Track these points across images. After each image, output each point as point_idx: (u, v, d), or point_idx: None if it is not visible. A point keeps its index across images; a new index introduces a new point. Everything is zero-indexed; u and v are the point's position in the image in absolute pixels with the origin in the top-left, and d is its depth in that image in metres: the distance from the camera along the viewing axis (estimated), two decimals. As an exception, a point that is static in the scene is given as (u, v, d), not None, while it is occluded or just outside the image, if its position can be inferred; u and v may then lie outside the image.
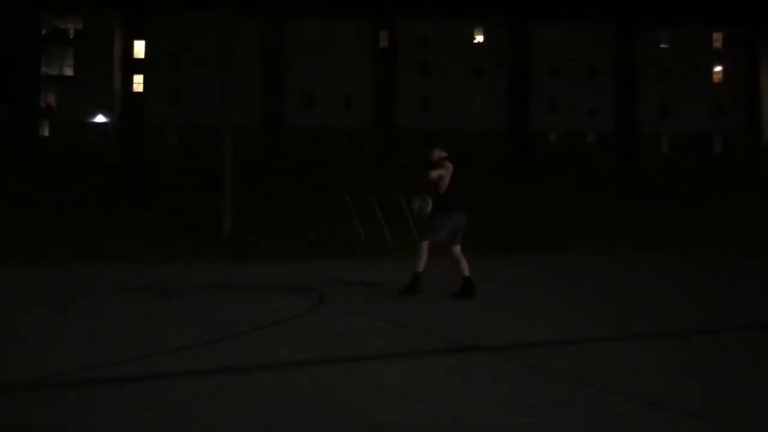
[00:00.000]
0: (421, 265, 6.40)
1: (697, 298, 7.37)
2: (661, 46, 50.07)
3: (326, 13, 47.91)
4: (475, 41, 49.39)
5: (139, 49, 47.65)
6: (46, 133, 45.55)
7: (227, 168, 16.19)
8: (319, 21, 47.57)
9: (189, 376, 3.62)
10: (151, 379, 3.55)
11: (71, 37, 46.24)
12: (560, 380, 3.53)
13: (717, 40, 50.35)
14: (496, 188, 23.29)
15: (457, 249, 6.51)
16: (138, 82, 47.55)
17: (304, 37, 47.44)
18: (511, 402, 3.14)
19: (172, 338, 4.60)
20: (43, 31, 46.35)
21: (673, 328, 5.25)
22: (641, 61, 49.88)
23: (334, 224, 15.96)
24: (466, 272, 6.49)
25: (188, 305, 6.52)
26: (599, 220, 17.73)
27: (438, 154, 6.54)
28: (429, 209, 6.37)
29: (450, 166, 6.46)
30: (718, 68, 50.37)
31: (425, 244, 6.44)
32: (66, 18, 46.32)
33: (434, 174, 6.39)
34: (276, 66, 47.44)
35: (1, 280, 8.68)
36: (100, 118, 45.81)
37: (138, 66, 47.29)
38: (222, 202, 15.49)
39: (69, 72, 46.22)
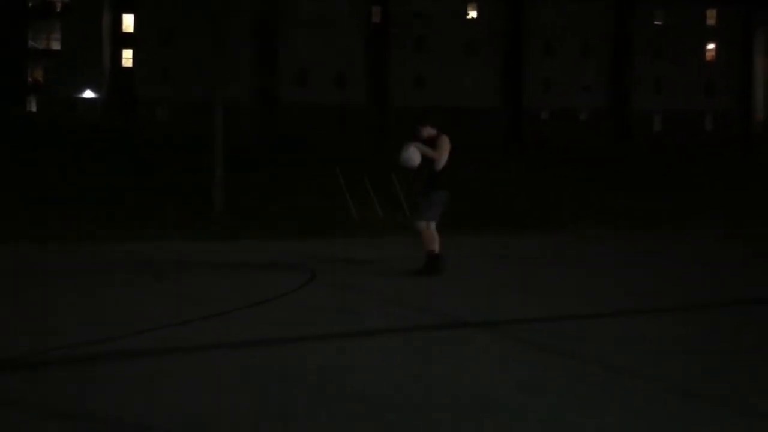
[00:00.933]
0: (431, 243, 6.29)
1: (689, 274, 7.41)
2: (655, 23, 49.83)
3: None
4: (469, 17, 48.93)
5: (129, 23, 46.89)
6: (33, 108, 44.94)
7: (218, 145, 16.02)
8: (311, -4, 46.94)
9: (181, 353, 3.60)
10: (145, 355, 3.54)
11: (58, 10, 45.38)
12: (560, 356, 3.53)
13: (711, 17, 50.15)
14: (488, 166, 23.26)
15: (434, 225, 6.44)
16: (127, 57, 46.89)
17: (296, 12, 46.82)
18: (503, 377, 3.14)
19: (164, 315, 4.57)
20: (30, 4, 45.43)
21: (674, 304, 5.27)
22: (635, 38, 49.66)
23: (326, 202, 15.90)
24: (437, 249, 6.36)
25: (179, 282, 6.49)
26: (591, 198, 17.74)
27: (428, 131, 6.43)
28: (417, 162, 6.23)
29: (447, 140, 6.37)
30: (711, 46, 50.25)
31: (433, 225, 6.33)
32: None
33: (442, 154, 6.27)
34: (268, 42, 46.88)
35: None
36: (88, 94, 45.19)
37: (127, 40, 46.58)
38: (213, 179, 15.36)
39: (56, 46, 45.46)
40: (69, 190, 15.29)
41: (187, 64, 44.66)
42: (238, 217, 14.19)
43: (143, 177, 17.83)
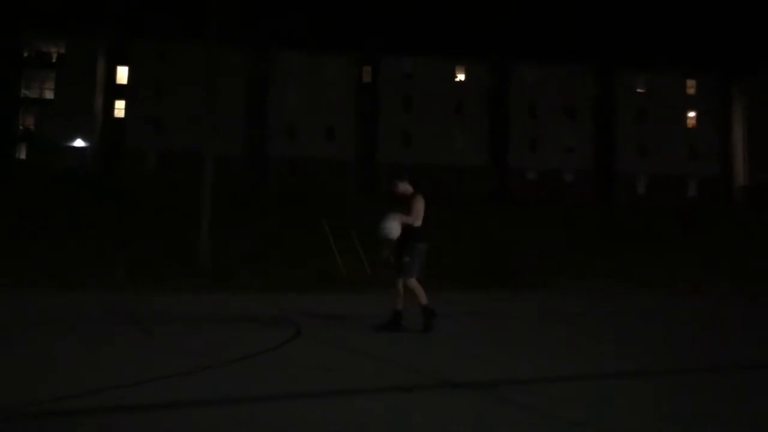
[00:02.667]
0: (424, 297, 6.45)
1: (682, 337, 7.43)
2: (638, 90, 51.45)
3: (310, 46, 48.52)
4: (457, 79, 50.26)
5: (122, 74, 47.62)
6: (23, 155, 44.96)
7: (205, 200, 16.08)
8: (303, 54, 48.11)
9: (160, 409, 3.53)
10: (118, 411, 3.46)
11: (53, 60, 46.06)
12: (545, 418, 3.50)
13: (691, 87, 51.90)
14: (474, 224, 23.44)
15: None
16: (120, 108, 47.38)
17: (287, 69, 47.86)
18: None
19: (146, 369, 4.49)
20: (25, 54, 46.13)
21: (662, 366, 5.27)
22: (619, 102, 51.14)
23: (313, 256, 15.88)
24: (401, 306, 6.54)
25: (163, 335, 6.39)
26: (575, 258, 17.89)
27: (404, 187, 6.60)
28: (397, 234, 6.31)
29: (422, 200, 6.51)
30: (692, 114, 51.81)
31: (413, 282, 6.46)
32: (49, 41, 46.21)
33: (417, 217, 6.42)
34: (259, 96, 47.70)
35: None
36: (79, 142, 45.39)
37: (120, 91, 47.17)
38: (199, 233, 15.33)
39: (50, 95, 45.90)
40: (51, 239, 15.16)
41: (177, 116, 45.20)
42: (224, 270, 14.11)
43: (130, 228, 17.73)
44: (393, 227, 6.28)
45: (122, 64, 47.36)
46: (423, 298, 6.44)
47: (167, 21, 44.94)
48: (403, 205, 6.53)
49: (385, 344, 5.87)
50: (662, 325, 8.63)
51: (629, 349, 6.26)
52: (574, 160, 49.75)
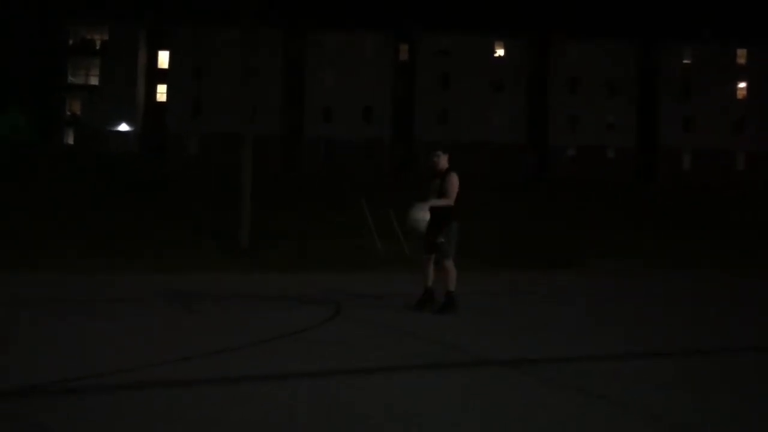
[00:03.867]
0: (453, 283, 6.38)
1: (710, 317, 7.29)
2: (684, 62, 49.71)
3: (347, 25, 48.35)
4: (496, 55, 49.45)
5: (163, 59, 48.44)
6: (70, 140, 46.39)
7: (246, 180, 16.32)
8: (340, 33, 47.99)
9: (203, 384, 3.67)
10: (166, 385, 3.61)
11: (97, 47, 47.18)
12: (583, 397, 3.52)
13: (741, 56, 49.88)
14: (514, 203, 23.21)
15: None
16: (161, 92, 48.29)
17: (324, 49, 47.87)
18: (525, 418, 3.14)
19: (189, 347, 4.66)
20: (71, 42, 47.35)
21: (691, 346, 5.20)
22: (663, 76, 49.55)
23: (351, 236, 16.02)
24: (431, 283, 6.50)
25: (206, 315, 6.59)
26: (616, 236, 17.57)
27: (443, 163, 6.46)
28: (425, 224, 6.19)
29: (456, 178, 6.37)
30: (741, 84, 49.84)
31: (451, 264, 6.37)
32: (93, 29, 47.30)
33: (452, 191, 6.30)
34: (296, 77, 47.91)
35: (24, 286, 8.83)
36: (123, 127, 46.55)
37: (161, 76, 48.05)
38: (240, 213, 15.60)
39: (94, 81, 47.12)
40: (96, 221, 15.66)
41: (217, 99, 45.82)
42: (264, 250, 14.37)
43: (172, 210, 18.18)
44: (420, 218, 6.16)
45: (163, 48, 48.17)
46: (453, 283, 6.37)
47: (205, 4, 45.36)
48: (437, 180, 6.44)
49: (422, 323, 5.93)
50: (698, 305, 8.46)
51: (669, 328, 6.18)
52: (616, 137, 48.59)
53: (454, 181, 6.34)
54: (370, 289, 9.11)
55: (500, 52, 49.44)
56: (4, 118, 48.10)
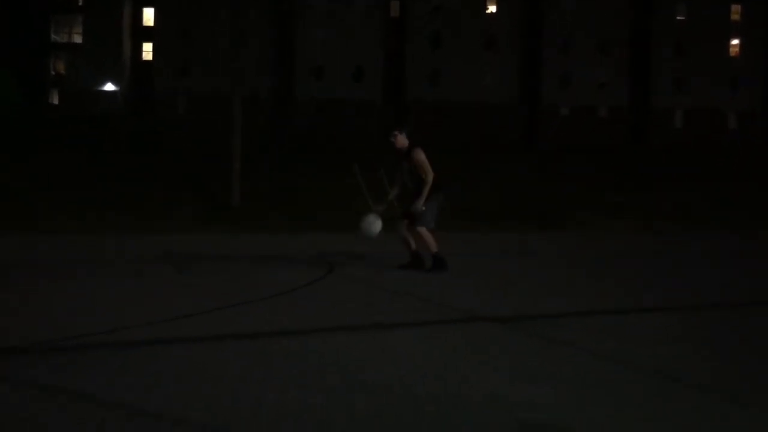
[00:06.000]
0: (434, 245, 6.34)
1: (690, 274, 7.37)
2: (678, 18, 49.17)
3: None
4: (488, 11, 48.68)
5: (149, 17, 47.30)
6: (55, 100, 45.55)
7: (236, 138, 16.14)
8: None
9: (197, 342, 3.69)
10: (161, 343, 3.63)
11: (80, 4, 45.92)
12: (566, 349, 3.57)
13: (735, 12, 49.38)
14: (504, 163, 23.16)
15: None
16: (147, 51, 47.32)
17: (314, 6, 46.89)
18: (516, 371, 3.18)
19: (182, 306, 4.66)
20: (53, -2, 46.05)
21: (677, 303, 5.27)
22: (656, 33, 49.06)
23: (342, 197, 15.98)
24: (415, 246, 6.46)
25: (198, 274, 6.59)
26: (605, 196, 17.63)
27: (401, 140, 6.36)
28: (376, 233, 6.30)
29: (422, 151, 6.26)
30: (735, 41, 49.48)
31: (424, 230, 6.32)
32: (75, -16, 45.98)
33: (426, 169, 6.20)
34: (286, 36, 47.02)
35: (14, 248, 8.77)
36: (109, 86, 45.71)
37: (147, 34, 46.99)
38: (230, 173, 15.48)
39: (78, 40, 46.03)
40: (86, 182, 15.52)
41: (205, 57, 44.99)
42: (255, 210, 14.31)
43: (161, 169, 18.02)
44: (374, 227, 6.24)
45: (148, 5, 46.98)
46: (434, 245, 6.34)
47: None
48: (404, 163, 6.35)
49: (413, 282, 5.96)
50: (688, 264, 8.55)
51: (654, 286, 6.25)
52: (608, 96, 48.34)
53: (421, 157, 6.23)
54: (361, 248, 9.12)
55: (493, 8, 48.67)
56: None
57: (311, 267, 6.90)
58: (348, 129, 37.36)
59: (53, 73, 46.37)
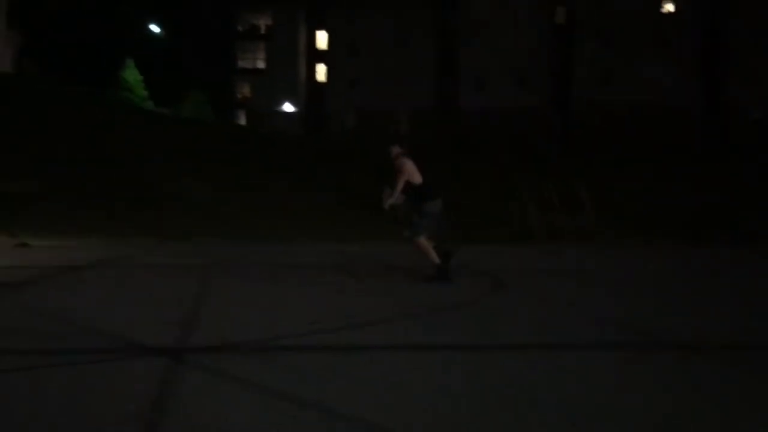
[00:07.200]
0: (435, 256, 6.56)
1: None
2: None
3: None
4: (663, 10, 45.31)
5: (322, 40, 50.62)
6: (242, 121, 50.40)
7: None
8: (493, -1, 46.77)
9: (378, 350, 3.88)
10: (344, 349, 3.86)
11: (262, 32, 50.55)
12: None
13: None
14: (688, 171, 21.33)
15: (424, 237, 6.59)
16: (321, 72, 50.65)
17: (477, 17, 46.98)
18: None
19: (365, 313, 4.92)
20: (239, 28, 51.20)
21: None
22: None
23: (506, 207, 15.78)
24: (437, 259, 6.55)
25: (376, 283, 6.89)
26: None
27: (396, 151, 6.69)
28: (397, 202, 6.57)
29: (408, 162, 6.57)
30: None
31: (420, 241, 6.56)
32: (258, 14, 50.70)
33: (400, 177, 6.53)
34: (449, 48, 47.60)
35: (217, 253, 9.82)
36: (287, 107, 49.62)
37: (321, 56, 50.31)
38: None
39: (261, 65, 50.67)
40: (271, 194, 16.92)
41: (372, 74, 47.03)
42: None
43: (336, 181, 19.10)
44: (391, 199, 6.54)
45: (320, 29, 50.32)
46: (433, 255, 6.54)
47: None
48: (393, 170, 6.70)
49: (595, 299, 5.73)
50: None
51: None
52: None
53: (398, 165, 6.59)
54: (532, 263, 8.95)
55: (669, 6, 45.18)
56: (188, 100, 53.53)
57: (481, 279, 6.91)
58: (514, 138, 36.74)
59: (239, 96, 51.41)
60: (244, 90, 51.42)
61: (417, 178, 6.58)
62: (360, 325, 4.50)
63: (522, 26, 46.30)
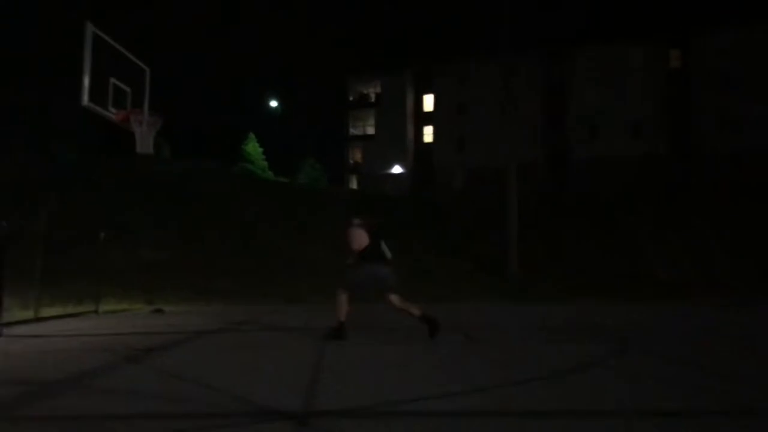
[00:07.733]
0: (343, 314, 6.79)
1: None
2: None
3: (608, 38, 46.20)
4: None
5: (429, 103, 51.99)
6: (354, 185, 52.25)
7: (511, 212, 16.46)
8: (601, 48, 46.02)
9: (495, 416, 3.75)
10: (456, 415, 3.76)
11: (372, 100, 52.81)
12: None
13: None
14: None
15: (394, 298, 6.80)
16: (428, 133, 51.78)
17: (585, 67, 46.31)
18: None
19: (479, 376, 4.80)
20: (350, 98, 53.86)
21: None
22: None
23: (627, 261, 14.98)
24: (418, 313, 6.78)
25: (486, 344, 6.75)
26: None
27: (357, 222, 7.11)
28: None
29: (360, 232, 6.94)
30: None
31: (342, 295, 6.84)
32: (367, 83, 53.18)
33: (351, 243, 6.92)
34: (557, 99, 47.13)
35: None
36: (396, 169, 50.90)
37: (428, 118, 51.58)
38: (507, 244, 15.74)
39: (371, 131, 52.74)
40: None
41: (479, 132, 47.36)
42: (531, 279, 14.23)
43: (442, 242, 19.08)
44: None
45: (427, 92, 51.79)
46: (342, 313, 6.82)
47: (462, 44, 47.59)
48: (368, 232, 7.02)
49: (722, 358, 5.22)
50: None
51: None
52: None
53: (348, 233, 7.03)
54: (657, 320, 8.38)
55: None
56: (304, 168, 56.43)
57: (602, 340, 6.55)
58: (629, 187, 35.20)
59: (351, 161, 53.53)
60: (356, 156, 53.54)
61: (360, 243, 7.10)
62: (474, 390, 4.38)
63: (634, 73, 44.96)
